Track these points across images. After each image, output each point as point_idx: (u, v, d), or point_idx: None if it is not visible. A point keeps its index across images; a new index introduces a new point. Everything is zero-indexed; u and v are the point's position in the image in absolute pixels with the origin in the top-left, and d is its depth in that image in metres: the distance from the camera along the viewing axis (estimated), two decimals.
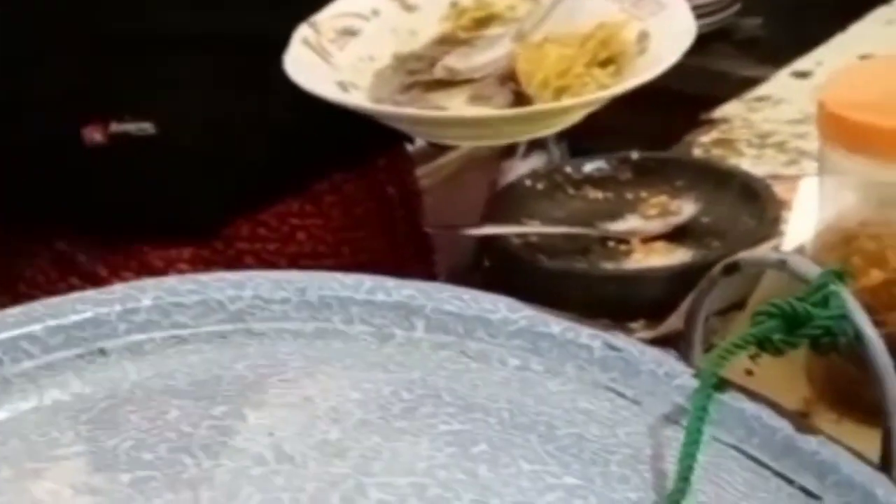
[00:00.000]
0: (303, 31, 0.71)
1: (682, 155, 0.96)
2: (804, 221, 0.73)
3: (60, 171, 0.80)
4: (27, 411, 0.39)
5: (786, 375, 0.66)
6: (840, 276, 0.43)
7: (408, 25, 0.75)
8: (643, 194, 0.88)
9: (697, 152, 0.97)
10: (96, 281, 0.81)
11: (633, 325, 0.76)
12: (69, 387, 0.40)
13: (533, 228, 0.84)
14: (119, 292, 0.43)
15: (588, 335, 0.44)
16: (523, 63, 0.69)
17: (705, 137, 0.99)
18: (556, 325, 0.44)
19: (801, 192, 0.80)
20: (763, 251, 0.69)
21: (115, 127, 0.77)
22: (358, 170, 0.88)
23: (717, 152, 0.97)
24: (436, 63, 0.72)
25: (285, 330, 0.43)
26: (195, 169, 0.80)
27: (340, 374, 0.41)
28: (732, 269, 0.46)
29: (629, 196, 0.88)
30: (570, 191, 0.90)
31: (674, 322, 0.73)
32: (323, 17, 0.72)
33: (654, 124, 1.12)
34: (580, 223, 0.85)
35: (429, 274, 0.94)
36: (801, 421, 0.43)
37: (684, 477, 0.36)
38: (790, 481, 0.41)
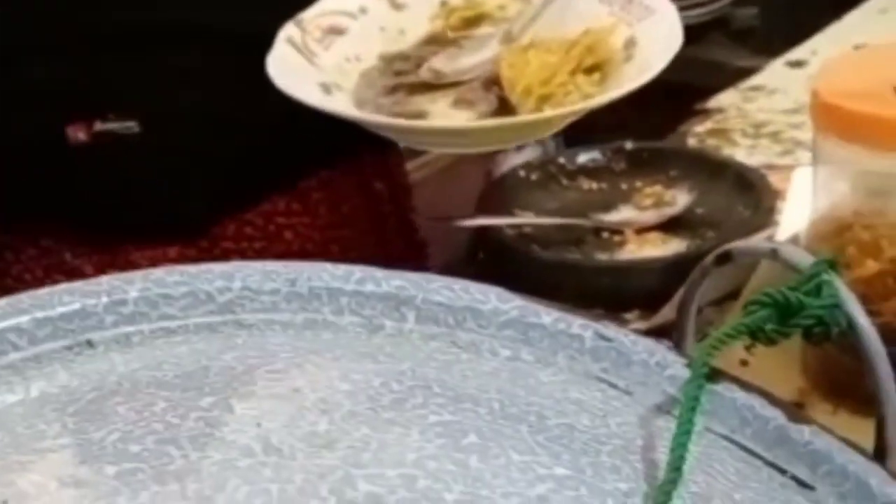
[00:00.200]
0: (288, 30, 0.71)
1: (676, 145, 0.96)
2: (798, 211, 0.73)
3: (45, 170, 0.79)
4: (13, 403, 0.38)
5: (780, 366, 0.66)
6: (832, 265, 0.43)
7: (396, 24, 0.74)
8: (637, 184, 0.87)
9: (692, 142, 0.97)
10: (82, 279, 0.80)
11: (628, 315, 0.75)
12: (56, 379, 0.39)
13: (527, 219, 0.84)
14: (106, 284, 0.42)
15: (579, 325, 0.43)
16: (507, 69, 0.68)
17: (700, 127, 0.98)
18: (546, 315, 0.44)
19: (796, 182, 0.80)
20: (755, 241, 0.69)
21: (100, 126, 0.77)
22: (345, 166, 0.87)
23: (711, 142, 0.96)
24: (422, 64, 0.72)
25: (274, 321, 0.43)
26: (180, 167, 0.80)
27: (330, 365, 0.40)
28: (725, 258, 0.46)
29: (623, 186, 0.88)
30: (564, 181, 0.90)
31: (668, 312, 0.73)
32: (309, 14, 0.72)
33: (648, 115, 1.12)
34: (574, 214, 0.85)
35: (421, 269, 0.94)
36: (794, 411, 0.42)
37: (676, 467, 0.35)
38: (783, 471, 0.41)
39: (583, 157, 0.90)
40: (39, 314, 0.41)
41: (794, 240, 0.68)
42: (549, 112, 0.66)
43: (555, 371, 0.42)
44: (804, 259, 0.43)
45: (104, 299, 0.42)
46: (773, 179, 0.85)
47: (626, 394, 0.42)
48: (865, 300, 0.44)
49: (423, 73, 0.71)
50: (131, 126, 0.77)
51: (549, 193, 0.88)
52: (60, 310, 0.41)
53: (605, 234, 0.83)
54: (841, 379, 0.65)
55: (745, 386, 0.43)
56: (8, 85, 0.78)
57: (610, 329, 0.43)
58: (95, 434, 0.36)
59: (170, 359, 0.41)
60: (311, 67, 0.70)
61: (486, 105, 0.69)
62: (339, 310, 0.44)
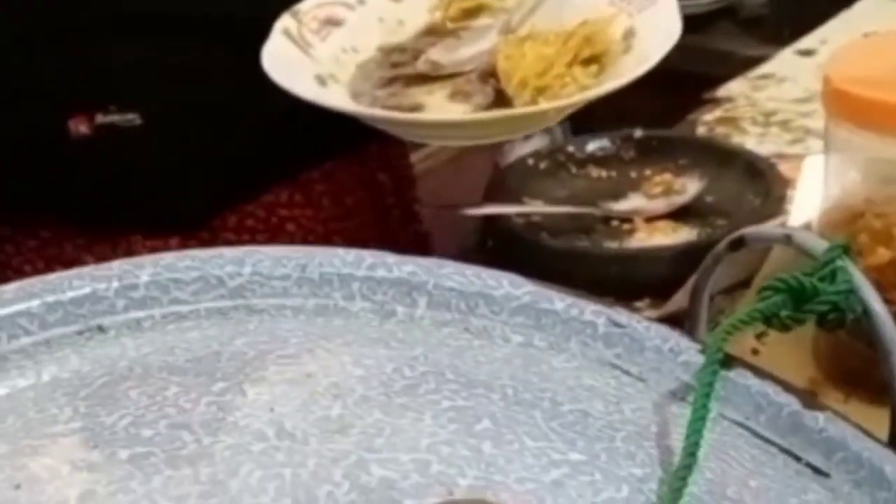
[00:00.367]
0: (284, 21, 0.70)
1: (686, 133, 0.95)
2: (809, 200, 0.72)
3: (46, 162, 0.79)
4: (25, 388, 0.38)
5: (792, 354, 0.66)
6: (847, 250, 0.43)
7: (395, 15, 0.74)
8: (647, 173, 0.87)
9: (701, 131, 0.96)
10: None
11: (638, 304, 0.75)
12: (67, 363, 0.39)
13: (536, 208, 0.84)
14: (117, 268, 0.42)
15: (592, 311, 0.43)
16: (503, 61, 0.68)
17: (709, 116, 0.98)
18: (559, 301, 0.43)
19: (806, 170, 0.80)
20: (769, 226, 0.68)
21: (101, 118, 0.77)
22: (348, 157, 0.87)
23: (720, 131, 0.96)
24: (420, 56, 0.71)
25: (285, 306, 0.43)
26: (181, 159, 0.80)
27: (341, 350, 0.40)
28: (738, 244, 0.46)
29: (633, 175, 0.88)
30: (573, 170, 0.89)
31: (679, 301, 0.72)
32: (306, 5, 0.71)
33: (655, 104, 1.11)
34: (583, 202, 0.85)
35: None
36: (808, 397, 0.42)
37: (691, 453, 0.35)
38: (797, 458, 0.40)
39: (592, 146, 0.90)
40: (50, 298, 0.41)
41: (806, 228, 0.68)
42: (543, 105, 0.65)
43: (567, 357, 0.42)
44: (818, 245, 0.43)
45: (115, 284, 0.42)
46: (783, 168, 0.85)
47: (640, 380, 0.42)
48: (877, 288, 0.44)
49: (421, 65, 0.71)
50: (133, 118, 0.77)
51: (558, 182, 0.88)
52: (71, 294, 0.41)
53: (615, 223, 0.83)
54: (853, 367, 0.64)
55: (759, 373, 0.42)
56: (9, 76, 0.77)
57: (623, 315, 0.43)
58: (107, 419, 0.36)
59: (181, 344, 0.40)
60: (307, 59, 0.70)
61: (482, 97, 0.68)
62: (350, 295, 0.43)
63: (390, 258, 0.44)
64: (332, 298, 0.43)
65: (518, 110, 0.66)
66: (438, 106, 0.68)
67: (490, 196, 0.86)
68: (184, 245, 0.81)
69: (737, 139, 0.94)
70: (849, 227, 0.64)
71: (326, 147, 0.85)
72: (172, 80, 0.78)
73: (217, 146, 0.80)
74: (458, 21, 0.74)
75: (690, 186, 0.84)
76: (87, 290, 0.41)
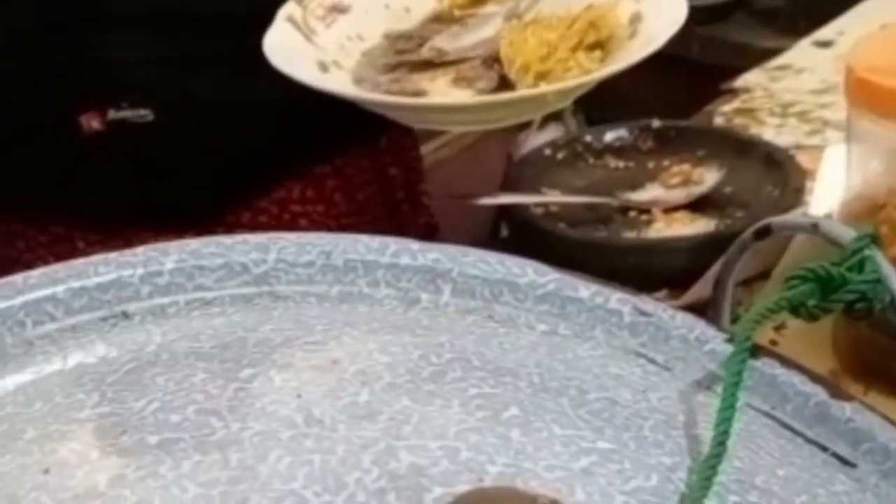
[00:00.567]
0: (288, 8, 0.70)
1: (703, 124, 0.95)
2: (830, 190, 0.72)
3: (58, 158, 0.79)
4: (51, 374, 0.38)
5: (811, 347, 0.65)
6: (875, 239, 0.42)
7: (402, 2, 0.74)
8: (665, 163, 0.87)
9: (719, 122, 0.96)
10: None
11: (656, 294, 0.75)
12: (93, 349, 0.39)
13: (554, 198, 0.84)
14: (142, 255, 0.42)
15: (617, 299, 0.43)
16: (506, 47, 0.68)
17: (727, 107, 0.97)
18: (584, 289, 0.43)
19: (827, 161, 0.80)
20: (795, 215, 0.68)
21: (113, 114, 0.77)
22: (360, 152, 0.87)
23: (738, 122, 0.96)
24: (425, 43, 0.71)
25: (310, 293, 0.43)
26: (193, 155, 0.79)
27: (367, 337, 0.40)
28: (764, 233, 0.45)
29: (650, 165, 0.87)
30: (591, 160, 0.89)
31: (697, 291, 0.72)
32: None
33: (671, 95, 1.11)
34: (601, 192, 0.84)
35: None
36: (835, 387, 0.42)
37: (720, 442, 0.35)
38: (824, 448, 0.40)
39: (609, 136, 0.89)
40: (75, 284, 0.41)
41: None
42: (543, 87, 0.65)
43: (593, 346, 0.42)
44: (846, 233, 0.43)
45: (140, 270, 0.42)
46: (801, 159, 0.84)
47: (665, 369, 0.42)
48: None
49: (426, 52, 0.71)
50: (145, 114, 0.77)
51: (576, 172, 0.88)
52: (96, 280, 0.41)
53: (633, 213, 0.82)
54: (873, 359, 0.64)
55: (786, 362, 0.42)
56: (21, 70, 0.77)
57: (649, 304, 0.43)
58: (135, 404, 0.35)
59: (207, 330, 0.40)
60: (309, 46, 0.69)
61: (485, 83, 0.68)
62: (374, 282, 0.43)
63: (414, 245, 0.44)
64: (356, 285, 0.43)
65: (518, 93, 0.65)
66: (441, 91, 0.68)
67: (507, 185, 0.86)
68: None
69: (754, 130, 0.93)
70: (870, 217, 0.64)
71: (337, 140, 0.85)
72: (183, 74, 0.78)
73: (229, 140, 0.80)
74: (464, 8, 0.74)
75: (709, 177, 0.83)
76: (112, 276, 0.41)
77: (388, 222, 0.90)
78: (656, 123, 0.89)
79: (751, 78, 1.02)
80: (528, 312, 0.43)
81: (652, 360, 0.42)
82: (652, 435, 0.37)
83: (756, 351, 0.41)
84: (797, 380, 0.41)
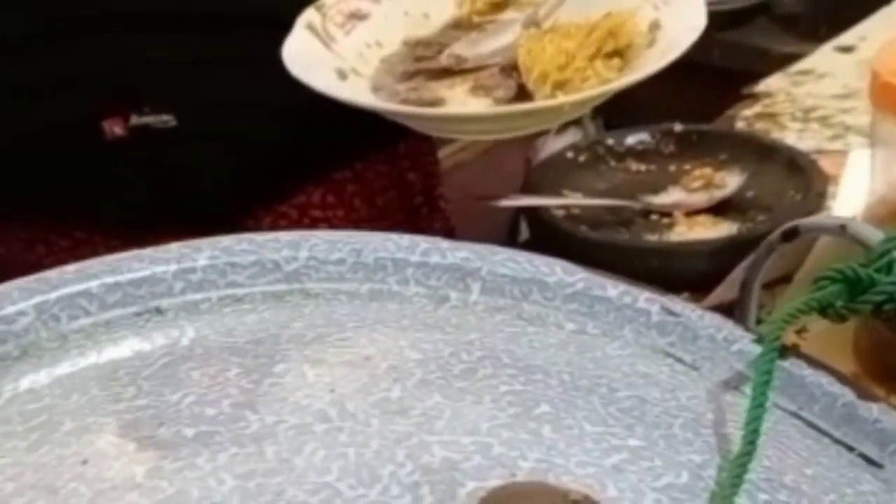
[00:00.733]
0: (308, 15, 0.70)
1: (725, 128, 0.95)
2: (853, 194, 0.72)
3: (81, 163, 0.79)
4: (86, 367, 0.39)
5: (832, 350, 0.65)
6: None
7: (421, 8, 0.74)
8: (686, 167, 0.87)
9: (740, 126, 0.96)
10: None
11: (678, 297, 0.75)
12: (127, 344, 0.40)
13: (575, 200, 0.84)
14: (175, 251, 0.43)
15: (646, 299, 0.43)
16: (524, 55, 0.68)
17: (748, 111, 0.98)
18: (612, 288, 0.44)
19: (851, 165, 0.80)
20: (823, 217, 0.68)
21: (136, 119, 0.77)
22: (379, 157, 0.87)
23: (760, 126, 0.96)
24: (444, 50, 0.71)
25: (340, 291, 0.43)
26: (215, 160, 0.80)
27: (398, 334, 0.40)
28: (792, 234, 0.46)
29: (672, 169, 0.87)
30: (612, 163, 0.89)
31: (719, 294, 0.72)
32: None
33: (690, 101, 1.11)
34: (622, 196, 0.85)
35: None
36: (863, 388, 0.42)
37: (750, 441, 0.35)
38: (850, 448, 0.40)
39: (631, 139, 0.90)
40: (109, 280, 0.41)
41: None
42: (561, 98, 0.65)
43: (621, 345, 0.42)
44: (874, 235, 0.43)
45: (173, 266, 0.42)
46: (824, 164, 0.84)
47: (693, 369, 0.42)
48: None
49: (444, 59, 0.71)
50: (167, 119, 0.77)
51: (597, 175, 0.88)
52: (130, 276, 0.42)
53: (654, 216, 0.82)
54: (895, 363, 0.64)
55: (814, 363, 0.42)
56: (46, 74, 0.77)
57: (677, 304, 0.43)
58: (171, 397, 0.36)
59: (239, 326, 0.41)
60: (328, 53, 0.70)
61: (503, 91, 0.68)
62: (404, 280, 0.44)
63: (444, 243, 0.44)
64: (386, 283, 0.44)
65: (534, 104, 0.65)
66: (459, 100, 0.68)
67: (528, 188, 0.86)
68: None
69: (776, 135, 0.93)
70: (894, 221, 0.64)
71: (357, 145, 0.85)
72: (205, 79, 0.78)
73: (250, 145, 0.80)
74: (484, 15, 0.74)
75: (731, 181, 0.84)
76: (145, 272, 0.42)
77: (406, 227, 0.90)
78: (678, 127, 0.89)
79: (772, 83, 1.02)
80: (556, 311, 0.43)
81: (680, 360, 0.42)
82: (681, 433, 0.37)
83: (784, 352, 0.41)
84: (825, 380, 0.42)
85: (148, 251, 0.42)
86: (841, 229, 0.44)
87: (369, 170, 0.86)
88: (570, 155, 0.89)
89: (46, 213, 0.83)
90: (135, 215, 0.81)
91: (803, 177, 0.82)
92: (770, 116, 0.97)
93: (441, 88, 0.70)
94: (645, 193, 0.85)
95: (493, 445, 0.34)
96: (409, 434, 0.34)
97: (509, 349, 0.40)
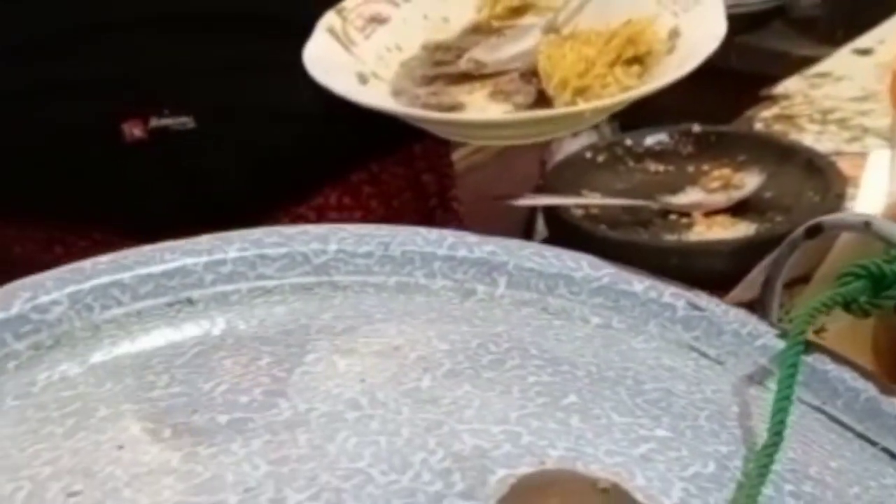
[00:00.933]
0: (329, 19, 0.71)
1: (744, 129, 0.95)
2: (873, 195, 0.73)
3: (100, 165, 0.80)
4: (120, 356, 0.39)
5: (851, 350, 0.65)
6: None
7: (440, 12, 0.74)
8: (705, 168, 0.87)
9: (758, 128, 0.96)
10: None
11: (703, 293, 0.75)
12: (160, 334, 0.40)
13: (594, 200, 0.84)
14: (206, 243, 0.43)
15: (671, 294, 0.44)
16: (544, 61, 0.68)
17: (766, 113, 0.98)
18: (638, 283, 0.44)
19: (871, 166, 0.80)
20: (846, 214, 0.68)
21: (155, 122, 0.77)
22: (395, 158, 0.87)
23: (778, 128, 0.96)
24: (464, 54, 0.71)
25: (368, 283, 0.44)
26: (234, 161, 0.80)
27: (426, 326, 0.41)
28: (815, 231, 0.46)
29: (690, 169, 0.88)
30: (631, 163, 0.90)
31: (738, 294, 0.72)
32: (351, 3, 0.72)
33: (707, 104, 1.12)
34: (641, 196, 0.85)
35: None
36: (885, 383, 0.42)
37: (777, 432, 0.35)
38: (873, 443, 0.41)
39: (650, 140, 0.90)
40: (142, 271, 0.42)
41: None
42: (581, 106, 0.65)
43: (646, 339, 0.43)
44: None
45: (204, 258, 0.43)
46: (842, 166, 0.85)
47: (718, 363, 0.42)
48: None
49: (464, 64, 0.71)
50: (186, 121, 0.77)
51: (616, 175, 0.89)
52: (162, 267, 0.42)
53: (673, 216, 0.83)
54: None
55: (837, 358, 0.43)
56: (67, 76, 0.78)
57: (702, 299, 0.44)
58: (204, 385, 0.36)
59: (269, 317, 0.41)
60: (349, 57, 0.70)
61: (523, 97, 0.69)
62: (431, 273, 0.44)
63: (471, 238, 0.45)
64: (413, 276, 0.44)
65: (554, 111, 0.66)
66: (478, 105, 0.69)
67: (546, 187, 0.87)
68: None
69: (794, 136, 0.94)
70: None
71: (374, 147, 0.86)
72: (224, 82, 0.78)
73: (268, 148, 0.81)
74: (503, 19, 0.74)
75: (749, 181, 0.84)
76: (177, 263, 0.42)
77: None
78: (696, 128, 0.90)
79: (791, 85, 1.02)
80: (582, 305, 0.44)
81: (704, 354, 0.43)
82: (707, 425, 0.38)
83: (808, 346, 0.42)
84: (848, 375, 0.42)
85: (179, 243, 0.43)
86: (865, 226, 0.44)
87: (385, 171, 0.87)
88: (588, 155, 0.90)
89: (65, 214, 0.83)
90: (153, 217, 0.81)
91: (822, 178, 0.83)
92: (788, 118, 0.97)
93: (461, 93, 0.70)
94: (663, 194, 0.85)
95: (522, 434, 0.35)
96: (439, 422, 0.35)
97: (536, 341, 0.41)
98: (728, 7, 0.69)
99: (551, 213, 0.84)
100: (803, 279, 0.74)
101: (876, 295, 0.42)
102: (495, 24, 0.74)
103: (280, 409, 0.35)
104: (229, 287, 0.43)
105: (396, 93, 0.70)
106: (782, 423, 0.36)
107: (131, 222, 0.82)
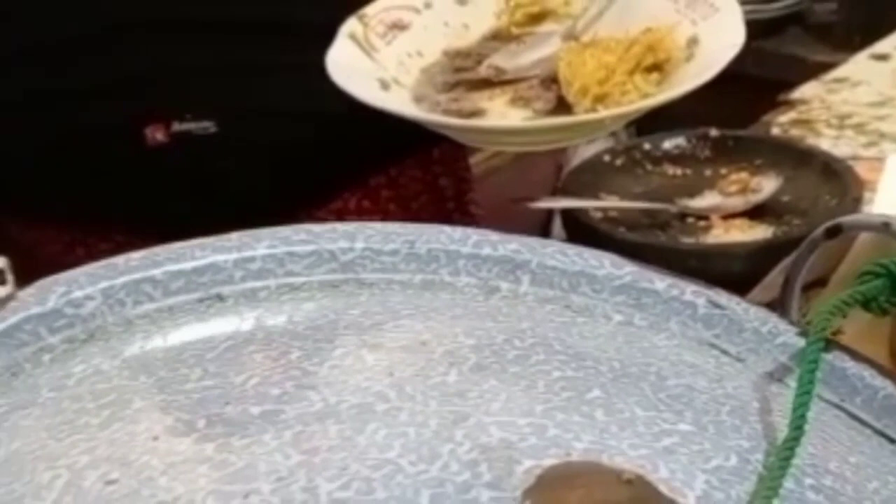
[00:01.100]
0: (350, 25, 0.71)
1: (761, 133, 0.96)
2: (890, 199, 0.73)
3: (123, 168, 0.80)
4: (152, 350, 0.40)
5: (868, 351, 0.66)
6: None
7: (461, 19, 0.75)
8: (722, 171, 0.88)
9: (775, 132, 0.97)
10: None
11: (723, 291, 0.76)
12: (191, 329, 0.41)
13: (612, 203, 0.85)
14: (236, 240, 0.44)
15: (692, 292, 0.44)
16: (564, 68, 0.68)
17: (783, 118, 0.98)
18: (660, 281, 0.45)
19: (889, 169, 0.80)
20: (866, 214, 0.69)
21: (177, 126, 0.78)
22: (413, 162, 0.88)
23: (795, 133, 0.97)
24: (484, 61, 0.72)
25: (394, 281, 0.44)
26: (254, 166, 0.81)
27: (452, 322, 0.42)
28: (835, 231, 0.47)
29: (708, 173, 0.88)
30: (649, 167, 0.90)
31: (756, 296, 0.73)
32: (373, 9, 0.72)
33: (724, 110, 1.12)
34: (659, 199, 0.86)
35: None
36: None
37: (798, 426, 0.36)
38: (891, 440, 0.41)
39: (668, 144, 0.91)
40: (173, 267, 0.43)
41: None
42: (601, 113, 0.66)
43: (668, 336, 0.43)
44: None
45: (234, 255, 0.43)
46: (859, 170, 0.85)
47: (738, 360, 0.43)
48: None
49: (484, 70, 0.72)
50: (208, 126, 0.78)
51: (634, 178, 0.89)
52: (193, 264, 0.43)
53: (690, 220, 0.83)
54: None
55: (856, 356, 0.43)
56: (87, 81, 0.79)
57: (723, 297, 0.44)
58: (236, 378, 0.37)
59: (297, 313, 0.42)
60: (371, 63, 0.71)
61: (543, 103, 0.69)
62: (456, 271, 0.45)
63: (495, 236, 0.46)
64: (438, 274, 0.45)
65: (574, 118, 0.66)
66: (499, 111, 0.69)
67: (564, 190, 0.87)
68: None
69: (811, 141, 0.94)
70: None
71: (393, 151, 0.86)
72: (246, 86, 0.79)
73: (288, 152, 0.81)
74: (523, 26, 0.75)
75: (766, 185, 0.85)
76: (207, 260, 0.43)
77: None
78: (714, 132, 0.90)
79: (808, 90, 1.03)
80: (604, 303, 0.44)
81: (725, 352, 0.43)
82: (729, 419, 0.38)
83: (827, 344, 0.42)
84: (867, 373, 0.43)
85: (210, 240, 0.44)
86: (884, 226, 0.45)
87: (404, 175, 0.88)
88: (606, 158, 0.91)
89: (87, 216, 0.84)
90: (174, 220, 0.81)
91: (839, 182, 0.83)
92: (805, 123, 0.98)
93: (481, 99, 0.71)
94: (681, 197, 0.86)
95: (547, 427, 0.35)
96: (466, 415, 0.35)
97: (560, 338, 0.41)
98: (745, 13, 0.70)
99: (569, 215, 0.84)
100: (820, 283, 0.74)
101: (894, 293, 0.43)
102: (515, 30, 0.75)
103: (311, 402, 0.36)
104: (258, 283, 0.43)
105: (418, 99, 0.71)
106: (803, 417, 0.37)
107: (152, 225, 0.82)
